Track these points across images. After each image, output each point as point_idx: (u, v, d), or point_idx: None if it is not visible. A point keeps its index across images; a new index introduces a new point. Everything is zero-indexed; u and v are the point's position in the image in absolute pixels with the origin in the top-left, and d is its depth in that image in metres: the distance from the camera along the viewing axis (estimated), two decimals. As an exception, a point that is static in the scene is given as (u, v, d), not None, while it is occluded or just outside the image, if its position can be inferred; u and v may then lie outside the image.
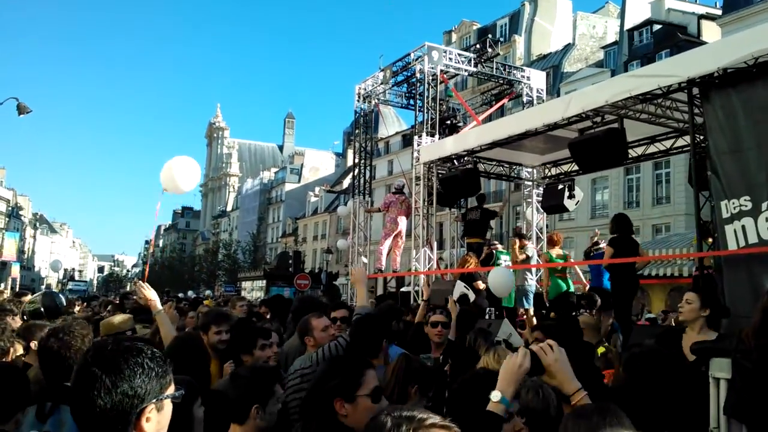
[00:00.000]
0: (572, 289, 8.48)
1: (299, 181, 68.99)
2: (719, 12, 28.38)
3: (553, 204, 10.28)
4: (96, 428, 1.35)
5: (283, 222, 66.87)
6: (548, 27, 42.77)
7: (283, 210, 67.92)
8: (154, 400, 1.39)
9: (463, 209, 12.14)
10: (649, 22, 31.77)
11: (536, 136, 8.60)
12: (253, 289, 49.14)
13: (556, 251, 8.76)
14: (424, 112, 11.03)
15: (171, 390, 1.45)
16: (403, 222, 11.60)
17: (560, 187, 10.01)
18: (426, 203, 10.80)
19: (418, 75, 11.50)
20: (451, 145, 10.15)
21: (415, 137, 11.11)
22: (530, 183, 11.74)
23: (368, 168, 13.89)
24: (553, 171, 11.03)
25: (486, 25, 43.61)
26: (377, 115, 14.38)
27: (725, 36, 20.82)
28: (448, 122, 12.20)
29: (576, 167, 10.50)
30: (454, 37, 44.30)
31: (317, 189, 61.35)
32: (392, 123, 42.85)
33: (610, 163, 7.21)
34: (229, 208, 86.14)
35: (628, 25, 32.98)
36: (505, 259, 9.74)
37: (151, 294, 3.98)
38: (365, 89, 13.51)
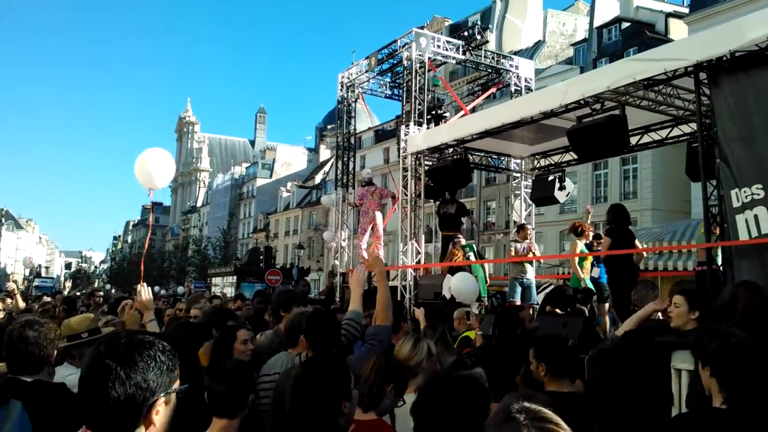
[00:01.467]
0: (588, 284, 8.12)
1: (271, 176, 68.08)
2: (686, 10, 28.84)
3: (542, 196, 10.07)
4: (107, 420, 1.35)
5: (255, 217, 65.92)
6: (519, 24, 43.09)
7: (254, 205, 66.97)
8: (164, 394, 1.41)
9: (437, 202, 11.77)
10: (618, 20, 32.19)
11: (527, 126, 8.36)
12: (224, 285, 48.26)
13: (579, 244, 8.12)
14: (411, 101, 10.59)
15: (177, 384, 1.47)
16: (377, 214, 11.14)
17: (550, 178, 9.81)
18: (413, 195, 10.41)
19: (405, 62, 11.01)
20: (442, 134, 9.82)
21: (402, 127, 10.67)
22: (518, 174, 11.51)
23: (350, 160, 13.48)
24: (543, 162, 10.82)
25: (458, 22, 43.57)
26: (357, 107, 13.91)
27: (692, 34, 21.03)
28: (434, 112, 11.84)
29: (566, 158, 10.36)
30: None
31: (289, 184, 60.70)
32: (365, 119, 42.44)
33: (611, 151, 7.02)
34: (199, 204, 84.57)
35: (597, 23, 33.39)
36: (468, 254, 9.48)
37: (148, 302, 3.66)
38: (348, 78, 13.05)
